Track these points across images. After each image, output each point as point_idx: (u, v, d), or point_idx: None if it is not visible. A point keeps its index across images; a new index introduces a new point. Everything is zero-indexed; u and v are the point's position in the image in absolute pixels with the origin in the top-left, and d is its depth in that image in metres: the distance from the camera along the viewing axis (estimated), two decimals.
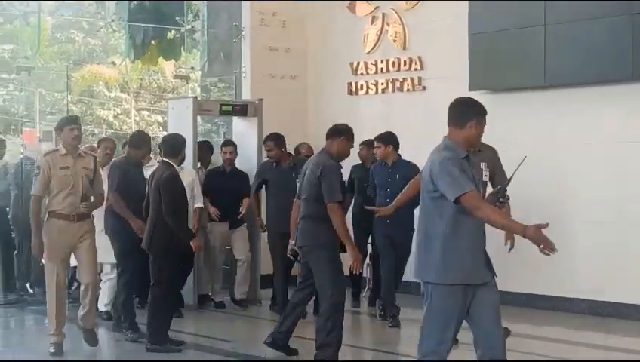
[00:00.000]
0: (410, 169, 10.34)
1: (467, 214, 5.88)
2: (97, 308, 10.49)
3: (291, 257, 9.38)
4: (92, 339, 9.56)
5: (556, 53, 11.60)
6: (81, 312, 9.35)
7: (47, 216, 9.18)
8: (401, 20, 13.71)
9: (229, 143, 12.39)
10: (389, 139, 10.91)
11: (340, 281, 8.65)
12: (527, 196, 11.65)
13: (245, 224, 12.31)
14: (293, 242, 9.02)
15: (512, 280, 10.68)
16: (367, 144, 11.76)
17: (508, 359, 6.08)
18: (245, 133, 12.90)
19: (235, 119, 13.47)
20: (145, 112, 36.89)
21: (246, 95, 14.20)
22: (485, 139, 10.61)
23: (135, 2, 15.20)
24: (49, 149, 9.69)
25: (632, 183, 10.69)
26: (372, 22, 14.14)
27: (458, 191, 5.82)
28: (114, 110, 36.46)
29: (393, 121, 13.49)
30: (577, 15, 11.39)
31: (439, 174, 5.98)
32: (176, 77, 21.53)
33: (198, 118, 13.05)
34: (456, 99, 6.79)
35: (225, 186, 11.98)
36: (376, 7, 14.03)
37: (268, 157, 11.66)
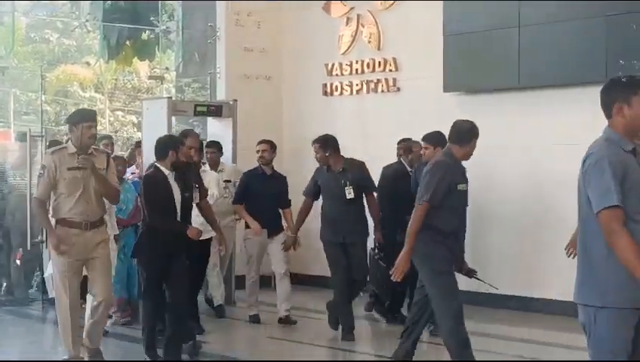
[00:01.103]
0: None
1: (633, 221, 4.88)
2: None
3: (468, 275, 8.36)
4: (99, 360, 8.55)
5: (530, 54, 11.65)
6: (88, 328, 8.47)
7: (54, 224, 8.27)
8: (375, 21, 13.73)
9: (264, 142, 11.18)
10: (439, 140, 9.95)
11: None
12: (501, 197, 11.71)
13: (284, 232, 11.09)
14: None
15: None
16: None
17: None
18: (220, 134, 12.88)
19: (210, 120, 13.47)
20: (119, 113, 36.73)
21: (221, 95, 14.18)
22: None
23: (109, 2, 15.16)
24: (56, 147, 8.54)
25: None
26: (347, 23, 14.14)
27: (600, 203, 4.85)
28: None
29: (368, 121, 13.54)
30: (552, 17, 11.44)
31: (589, 178, 5.03)
32: (150, 77, 21.54)
33: (173, 118, 13.02)
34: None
35: (265, 190, 10.92)
36: (351, 9, 14.04)
37: (316, 159, 10.54)
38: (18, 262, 12.77)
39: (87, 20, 15.44)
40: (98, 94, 35.99)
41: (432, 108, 12.61)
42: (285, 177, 11.28)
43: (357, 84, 13.96)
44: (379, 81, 13.65)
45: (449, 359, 7.96)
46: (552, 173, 11.24)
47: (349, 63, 14.09)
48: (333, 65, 14.25)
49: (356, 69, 13.98)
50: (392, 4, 13.51)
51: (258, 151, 11.09)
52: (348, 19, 14.13)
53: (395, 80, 13.47)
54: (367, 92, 13.81)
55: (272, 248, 11.01)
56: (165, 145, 8.97)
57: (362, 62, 13.91)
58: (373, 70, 13.74)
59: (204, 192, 9.53)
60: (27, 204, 12.06)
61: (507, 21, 11.83)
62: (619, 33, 10.94)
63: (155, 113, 12.39)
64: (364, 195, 10.23)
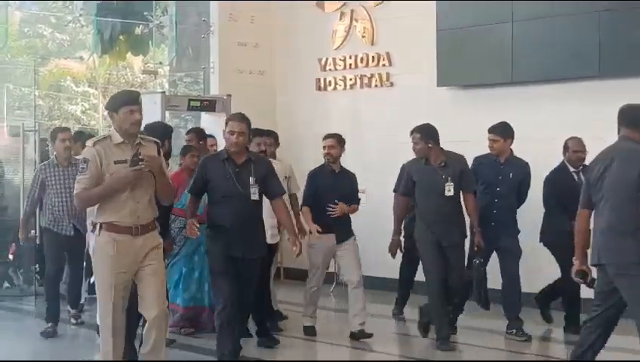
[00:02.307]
0: (525, 168, 9.90)
1: None
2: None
3: (579, 280, 7.33)
4: None
5: (523, 49, 11.68)
6: (144, 350, 7.15)
7: (97, 228, 6.90)
8: (369, 16, 13.74)
9: (329, 136, 10.04)
10: (508, 132, 9.78)
11: None
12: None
13: (355, 236, 10.03)
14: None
15: None
16: None
17: None
18: (213, 129, 12.87)
19: (204, 114, 13.46)
20: None
21: (214, 90, 14.17)
22: (451, 135, 10.71)
23: None
24: (98, 136, 7.16)
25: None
26: (340, 18, 14.15)
27: None
28: (82, 105, 36.19)
29: (361, 116, 13.56)
30: (544, 12, 11.48)
31: None
32: (144, 72, 21.41)
33: (167, 113, 13.03)
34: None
35: (334, 190, 9.84)
36: (345, 4, 14.05)
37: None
38: (11, 256, 12.79)
39: (80, 15, 15.37)
40: (91, 89, 35.91)
41: (426, 102, 12.64)
42: (354, 174, 10.13)
43: (350, 79, 13.97)
44: (372, 75, 13.66)
45: None
46: (545, 167, 11.24)
47: (342, 58, 14.10)
48: (326, 60, 14.26)
49: (350, 64, 13.99)
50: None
51: (324, 148, 9.89)
52: (341, 14, 14.14)
53: (388, 75, 13.49)
54: (361, 87, 13.83)
55: (343, 255, 9.85)
56: (162, 135, 8.70)
57: (356, 57, 13.92)
58: (367, 65, 13.75)
59: (275, 189, 8.66)
60: (20, 197, 12.07)
61: (500, 16, 11.86)
62: (611, 28, 10.98)
63: (149, 108, 12.33)
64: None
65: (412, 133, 9.36)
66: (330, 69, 14.24)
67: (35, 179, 10.32)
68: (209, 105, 12.97)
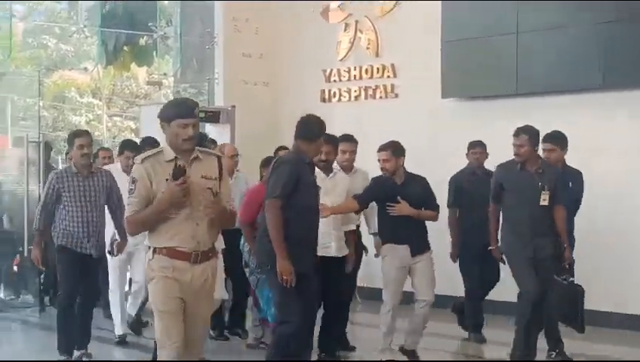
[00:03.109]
0: (580, 176, 9.37)
1: None
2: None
3: None
4: None
5: (528, 60, 11.68)
6: None
7: (151, 253, 6.07)
8: (374, 27, 13.74)
9: (382, 149, 9.07)
10: (564, 141, 9.26)
11: None
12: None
13: (431, 250, 9.04)
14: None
15: None
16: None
17: None
18: (218, 140, 12.87)
19: (208, 126, 13.46)
20: (117, 118, 36.74)
21: (219, 101, 14.18)
22: (457, 145, 10.71)
23: (107, 8, 15.16)
24: (149, 152, 6.25)
25: (600, 190, 10.71)
26: (345, 29, 14.15)
27: None
28: (86, 116, 36.26)
29: (366, 128, 13.52)
30: (549, 23, 11.48)
31: None
32: (148, 83, 21.54)
33: None
34: None
35: (402, 196, 8.86)
36: (349, 15, 14.06)
37: (515, 155, 8.76)
38: (15, 268, 12.78)
39: (84, 26, 15.41)
40: (96, 100, 35.98)
41: (430, 114, 12.63)
42: (423, 178, 9.09)
43: (355, 90, 13.96)
44: (377, 87, 13.66)
45: None
46: None
47: (347, 69, 14.10)
48: (331, 71, 14.26)
49: (354, 75, 13.99)
50: (390, 10, 13.53)
51: (379, 161, 9.06)
52: (346, 25, 14.14)
53: (393, 86, 13.49)
54: (366, 98, 13.82)
55: (417, 270, 8.83)
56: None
57: (360, 68, 13.93)
58: (372, 76, 13.75)
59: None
60: (24, 209, 12.07)
61: (505, 27, 11.86)
62: (615, 40, 10.97)
63: (153, 119, 12.32)
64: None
65: (516, 134, 8.67)
66: (334, 80, 14.24)
67: (49, 188, 8.89)
68: (213, 116, 12.98)
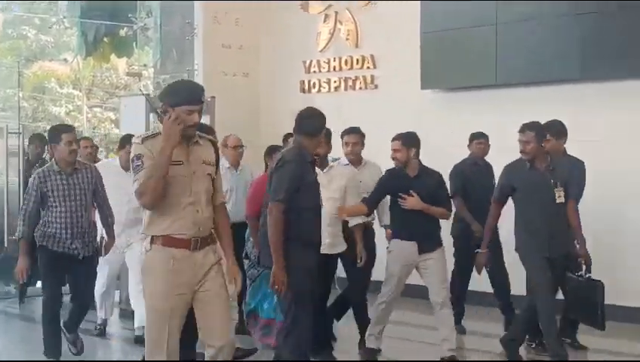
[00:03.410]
0: (581, 165, 9.14)
1: None
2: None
3: None
4: None
5: (507, 52, 11.74)
6: None
7: (148, 243, 5.81)
8: (353, 19, 13.77)
9: (395, 139, 8.73)
10: (558, 130, 9.06)
11: None
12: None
13: (443, 247, 8.70)
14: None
15: None
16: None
17: None
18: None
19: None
20: (97, 109, 36.61)
21: None
22: (436, 137, 10.75)
23: None
24: (146, 133, 5.99)
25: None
26: (325, 20, 14.17)
27: None
28: (66, 107, 36.12)
29: (346, 119, 13.51)
30: (528, 15, 11.54)
31: None
32: (128, 74, 21.41)
33: (151, 115, 13.02)
34: None
35: (414, 190, 8.50)
36: (329, 6, 14.08)
37: (522, 152, 8.43)
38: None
39: (64, 17, 15.36)
40: (76, 91, 35.84)
41: (410, 105, 12.66)
42: (438, 174, 8.80)
43: (335, 81, 13.99)
44: (357, 78, 13.70)
45: None
46: None
47: (326, 60, 14.12)
48: (311, 62, 14.28)
49: (334, 66, 14.01)
50: (370, 1, 13.57)
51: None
52: (326, 16, 14.16)
53: (372, 77, 13.52)
54: (345, 89, 13.85)
55: (427, 269, 8.50)
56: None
57: (340, 59, 13.95)
58: (351, 67, 13.78)
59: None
60: (4, 200, 12.04)
61: (484, 19, 11.91)
62: (594, 31, 11.03)
63: (133, 110, 12.42)
64: None
65: (523, 130, 8.33)
66: (314, 71, 14.26)
67: (31, 190, 8.28)
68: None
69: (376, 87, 13.49)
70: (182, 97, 5.73)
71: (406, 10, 12.72)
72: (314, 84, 14.23)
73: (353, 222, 8.72)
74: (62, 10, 15.73)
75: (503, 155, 9.96)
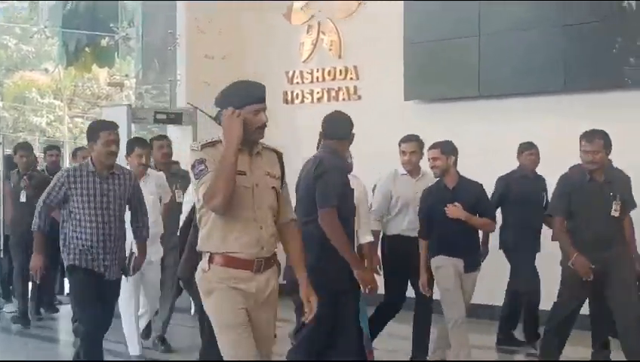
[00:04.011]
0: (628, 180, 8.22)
1: None
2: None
3: None
4: None
5: (490, 63, 11.72)
6: None
7: (206, 262, 5.20)
8: (336, 29, 13.74)
9: (432, 147, 8.40)
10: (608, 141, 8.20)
11: None
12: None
13: (480, 267, 8.33)
14: None
15: None
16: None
17: None
18: (180, 142, 12.83)
19: (170, 127, 13.39)
20: (78, 119, 36.58)
21: (181, 103, 14.10)
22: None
23: (68, 8, 15.06)
24: (204, 140, 5.30)
25: None
26: (308, 31, 14.13)
27: None
28: (47, 117, 36.09)
29: None
30: (511, 25, 11.54)
31: None
32: (110, 84, 21.46)
33: (133, 125, 12.96)
34: None
35: (454, 202, 8.06)
36: (312, 16, 14.04)
37: (589, 162, 7.79)
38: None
39: (45, 27, 15.31)
40: (57, 101, 35.81)
41: (393, 116, 12.63)
42: (479, 184, 8.39)
43: (318, 92, 13.96)
44: (340, 89, 13.65)
45: None
46: None
47: (309, 71, 14.08)
48: (294, 73, 14.24)
49: (317, 77, 13.97)
50: (353, 12, 13.53)
51: (429, 160, 8.38)
52: (309, 27, 14.12)
53: (356, 88, 13.48)
54: (329, 100, 13.80)
55: (463, 287, 8.09)
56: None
57: (323, 70, 13.91)
58: (334, 78, 13.74)
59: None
60: None
61: (467, 30, 11.90)
62: (577, 43, 11.04)
63: (115, 120, 12.24)
64: None
65: (590, 139, 7.77)
66: (297, 82, 14.22)
67: (56, 186, 7.26)
68: (175, 117, 12.93)
69: (359, 98, 13.45)
70: (244, 97, 5.31)
71: (389, 21, 12.70)
72: (297, 95, 14.18)
73: (363, 240, 8.34)
74: (43, 20, 15.67)
75: (486, 167, 9.98)
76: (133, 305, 8.88)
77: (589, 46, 10.96)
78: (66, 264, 7.29)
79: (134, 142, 9.28)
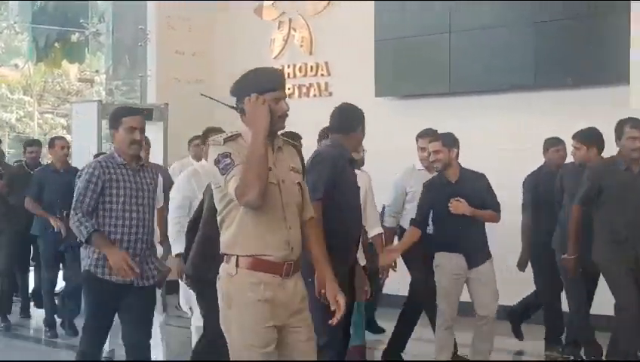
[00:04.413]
0: None
1: None
2: None
3: None
4: None
5: (461, 60, 11.75)
6: None
7: (233, 265, 4.72)
8: (307, 26, 13.73)
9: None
10: (594, 139, 8.37)
11: None
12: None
13: (491, 260, 7.91)
14: None
15: None
16: None
17: None
18: (150, 138, 12.77)
19: None
20: (48, 115, 36.37)
21: (151, 99, 14.07)
22: (390, 145, 10.72)
23: (38, 4, 14.99)
24: (223, 134, 4.92)
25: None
26: (279, 27, 14.12)
27: None
28: (17, 113, 35.86)
29: (300, 126, 13.45)
30: (482, 23, 11.56)
31: None
32: (80, 80, 21.34)
33: (103, 122, 12.91)
34: None
35: (457, 197, 7.78)
36: (283, 13, 14.03)
37: (634, 150, 7.58)
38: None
39: (15, 22, 15.24)
40: (27, 97, 35.60)
41: (364, 112, 12.62)
42: (481, 175, 8.13)
43: (289, 88, 13.91)
44: (311, 85, 13.66)
45: None
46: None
47: (280, 67, 14.06)
48: None
49: (288, 73, 13.95)
50: (324, 8, 13.53)
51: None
52: (280, 22, 14.11)
53: (327, 84, 13.49)
54: (299, 96, 13.81)
55: (475, 281, 7.79)
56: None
57: (294, 66, 13.90)
58: (305, 74, 13.74)
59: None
60: None
61: (438, 27, 11.92)
62: (547, 40, 11.08)
63: (85, 116, 12.31)
64: None
65: (636, 125, 7.56)
66: None
67: (88, 181, 6.21)
68: (146, 114, 12.88)
69: (330, 94, 13.45)
70: (263, 84, 4.87)
71: (360, 18, 12.71)
72: None
73: (372, 233, 8.11)
74: (13, 16, 15.58)
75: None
76: None
77: (559, 43, 11.00)
78: (86, 268, 6.25)
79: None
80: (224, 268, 4.77)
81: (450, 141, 7.87)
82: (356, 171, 7.11)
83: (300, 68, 13.83)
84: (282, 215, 4.73)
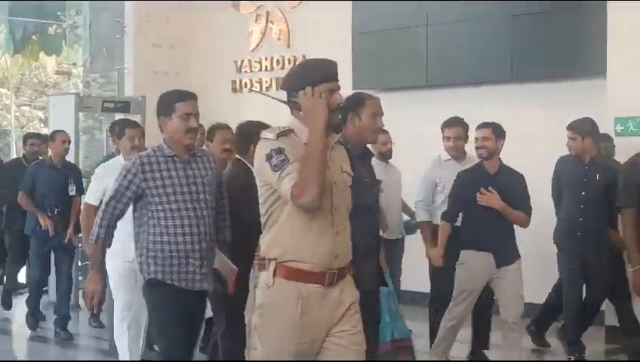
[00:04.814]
0: (614, 172, 7.82)
1: None
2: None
3: None
4: None
5: (438, 53, 11.79)
6: None
7: (270, 274, 4.39)
8: (285, 18, 13.74)
9: (484, 126, 7.84)
10: (588, 129, 8.28)
11: None
12: (407, 195, 11.79)
13: (520, 259, 7.59)
14: None
15: None
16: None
17: None
18: None
19: (118, 116, 13.33)
20: (26, 108, 36.24)
21: (129, 91, 14.04)
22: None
23: None
24: (274, 128, 4.66)
25: None
26: (256, 20, 14.12)
27: None
28: None
29: (277, 118, 13.46)
30: (459, 16, 11.61)
31: None
32: (57, 72, 21.27)
33: (80, 114, 12.89)
34: None
35: (493, 187, 7.52)
36: (260, 5, 14.03)
37: None
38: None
39: None
40: (4, 89, 35.45)
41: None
42: (520, 175, 7.81)
43: (266, 81, 13.95)
44: None
45: None
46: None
47: (258, 60, 14.08)
48: (242, 61, 14.22)
49: (265, 66, 13.97)
50: (301, 1, 13.54)
51: (476, 140, 7.73)
52: (257, 15, 14.11)
53: None
54: (277, 89, 13.79)
55: (501, 282, 7.45)
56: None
57: (272, 59, 13.91)
58: (283, 67, 13.74)
59: None
60: None
61: (415, 20, 11.96)
62: (524, 33, 11.13)
63: (62, 109, 12.30)
64: None
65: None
66: (246, 71, 14.20)
67: (121, 185, 5.57)
68: (123, 106, 12.87)
69: None
70: (318, 75, 4.59)
71: (338, 11, 12.72)
72: (245, 83, 14.17)
73: (392, 236, 8.02)
74: None
75: (435, 155, 10.02)
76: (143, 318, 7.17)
77: (536, 36, 11.06)
78: (145, 276, 5.59)
79: (125, 124, 8.17)
80: (262, 277, 4.43)
81: (499, 131, 7.64)
82: (376, 164, 6.78)
83: (278, 61, 13.83)
84: (330, 219, 4.39)
